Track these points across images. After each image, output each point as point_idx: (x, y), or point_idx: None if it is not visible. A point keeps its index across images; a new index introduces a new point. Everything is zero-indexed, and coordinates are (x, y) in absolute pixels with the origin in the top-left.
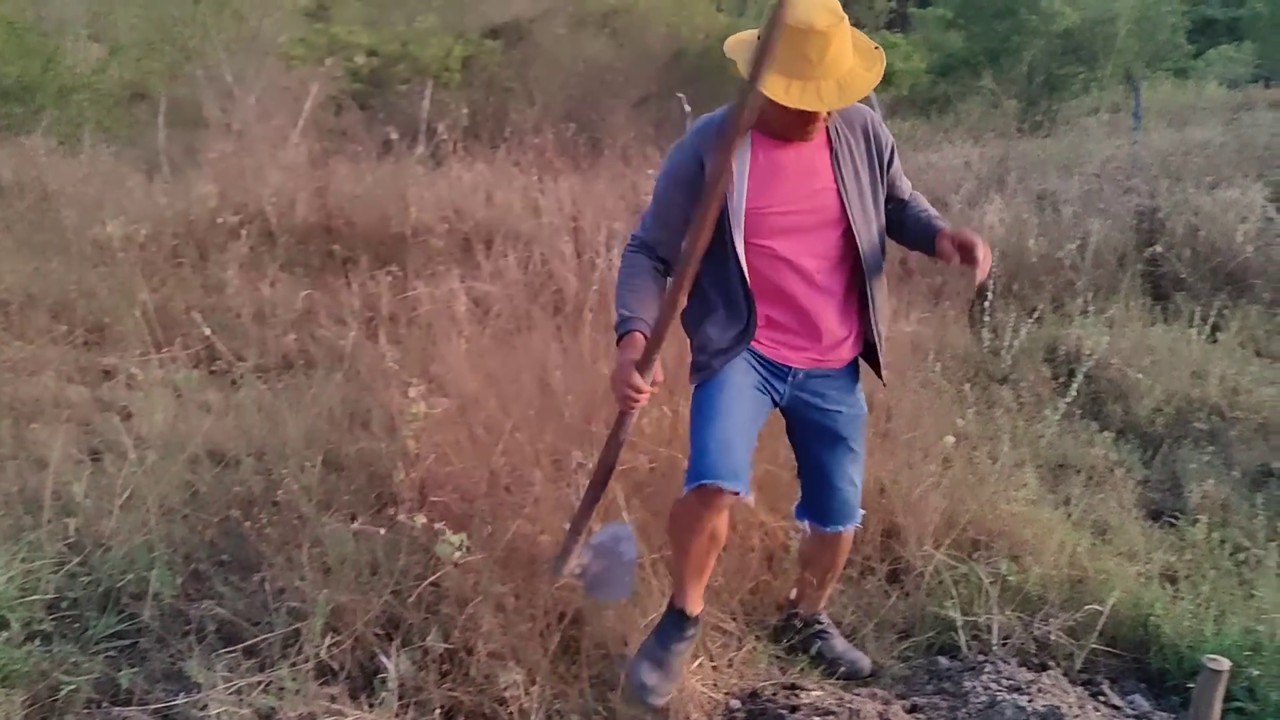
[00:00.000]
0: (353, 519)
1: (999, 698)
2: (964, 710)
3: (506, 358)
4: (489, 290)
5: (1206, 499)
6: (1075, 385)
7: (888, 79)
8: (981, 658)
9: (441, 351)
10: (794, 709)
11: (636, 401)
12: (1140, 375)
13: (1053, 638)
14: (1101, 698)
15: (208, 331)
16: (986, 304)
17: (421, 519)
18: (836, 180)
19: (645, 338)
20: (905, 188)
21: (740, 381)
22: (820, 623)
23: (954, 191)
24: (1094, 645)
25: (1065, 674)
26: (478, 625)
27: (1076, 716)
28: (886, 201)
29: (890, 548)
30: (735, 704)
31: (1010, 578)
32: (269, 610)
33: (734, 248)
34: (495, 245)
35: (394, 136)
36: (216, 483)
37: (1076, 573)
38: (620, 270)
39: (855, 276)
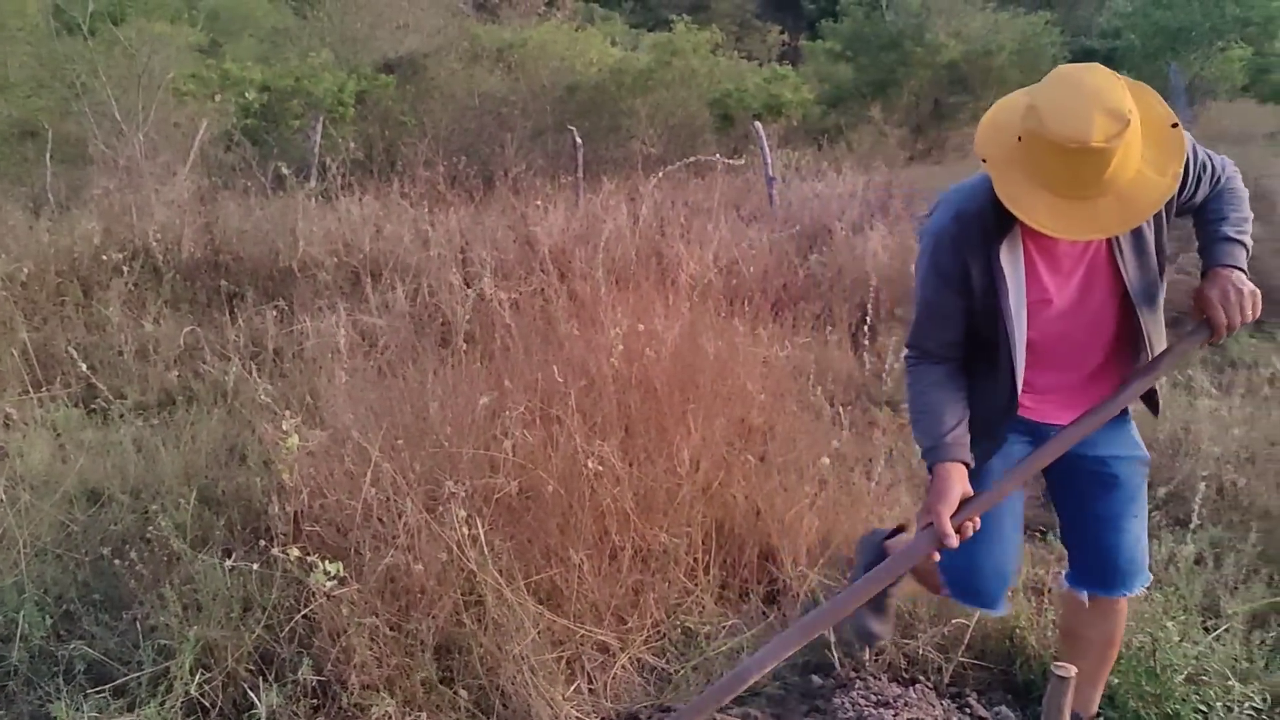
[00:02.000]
0: (227, 554)
1: (866, 713)
2: None
3: (388, 389)
4: (376, 322)
5: None
6: None
7: (778, 109)
8: (854, 674)
9: (323, 384)
10: None
11: (943, 546)
12: None
13: (922, 652)
14: (968, 709)
15: (86, 369)
16: (867, 328)
17: (295, 551)
18: (1114, 255)
19: (964, 467)
20: (1203, 193)
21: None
22: None
23: (838, 218)
24: (962, 658)
25: (934, 687)
26: (350, 657)
27: None
28: (1181, 214)
29: (767, 569)
30: None
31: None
32: (139, 649)
33: (1009, 348)
34: (383, 278)
35: (285, 171)
36: (90, 522)
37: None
38: (910, 389)
39: (1129, 321)
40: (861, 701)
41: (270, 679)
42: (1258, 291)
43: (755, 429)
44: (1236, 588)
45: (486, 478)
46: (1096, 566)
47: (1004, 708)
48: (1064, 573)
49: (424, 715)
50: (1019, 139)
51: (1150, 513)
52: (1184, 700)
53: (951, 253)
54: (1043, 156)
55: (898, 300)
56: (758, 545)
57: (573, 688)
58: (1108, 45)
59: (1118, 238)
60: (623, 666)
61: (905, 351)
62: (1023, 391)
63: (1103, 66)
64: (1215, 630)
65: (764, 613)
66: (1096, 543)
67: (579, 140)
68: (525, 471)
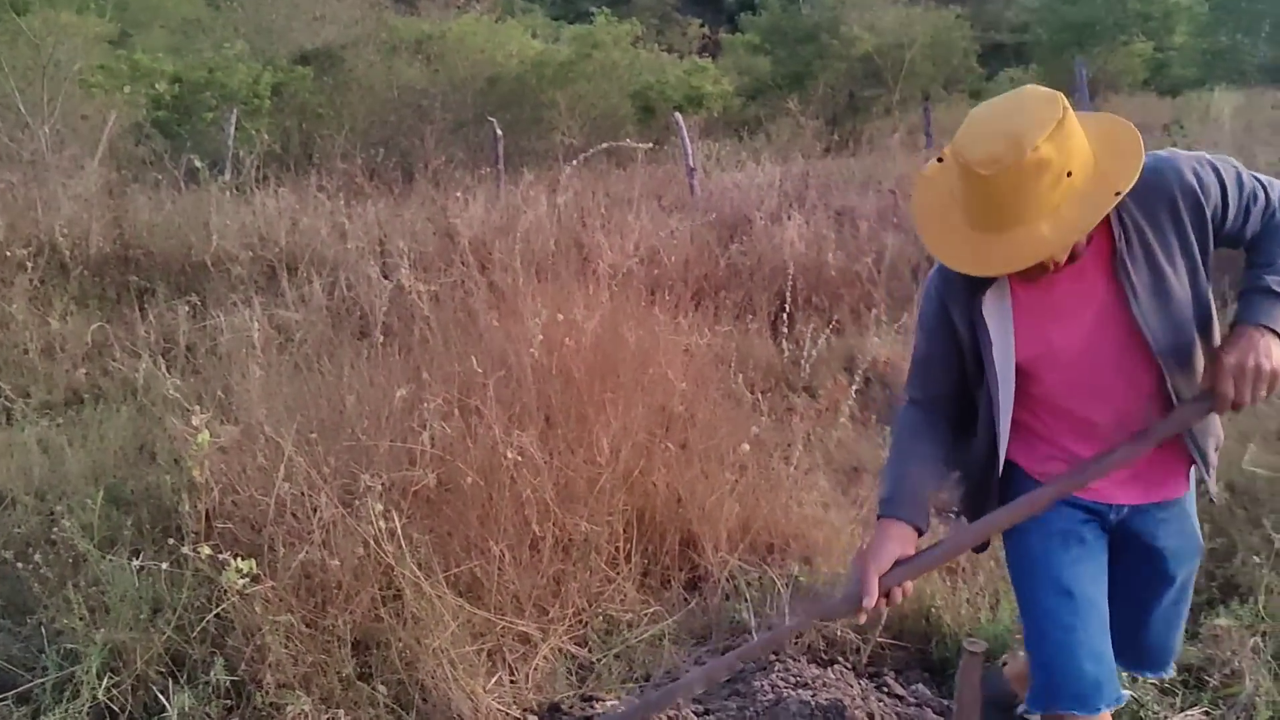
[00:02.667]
0: (135, 554)
1: (785, 694)
2: (752, 709)
3: (304, 383)
4: (292, 317)
5: None
6: (860, 389)
7: (699, 101)
8: (774, 657)
9: (236, 380)
10: (588, 719)
11: (860, 610)
12: None
13: (840, 634)
14: (885, 689)
15: None
16: (787, 316)
17: (206, 550)
18: (1125, 297)
19: (910, 526)
20: (1253, 227)
21: (1058, 528)
22: None
23: (757, 208)
24: (880, 639)
25: (852, 668)
26: (265, 655)
27: (859, 708)
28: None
29: (688, 556)
30: (533, 719)
31: (801, 579)
32: (44, 654)
33: (991, 404)
34: (300, 271)
35: (199, 164)
36: None
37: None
38: (893, 434)
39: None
40: (781, 683)
41: (182, 681)
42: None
43: (676, 417)
44: None
45: (404, 470)
46: (1132, 651)
47: (920, 685)
48: None
49: (341, 712)
50: (939, 159)
51: None
52: None
53: (937, 303)
54: (956, 181)
55: (814, 289)
56: (679, 532)
57: (494, 680)
58: (1016, 39)
59: (1128, 276)
60: (544, 657)
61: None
62: (1053, 457)
63: (1046, 92)
64: None
65: (685, 599)
66: (1140, 631)
67: (499, 132)
68: (444, 463)
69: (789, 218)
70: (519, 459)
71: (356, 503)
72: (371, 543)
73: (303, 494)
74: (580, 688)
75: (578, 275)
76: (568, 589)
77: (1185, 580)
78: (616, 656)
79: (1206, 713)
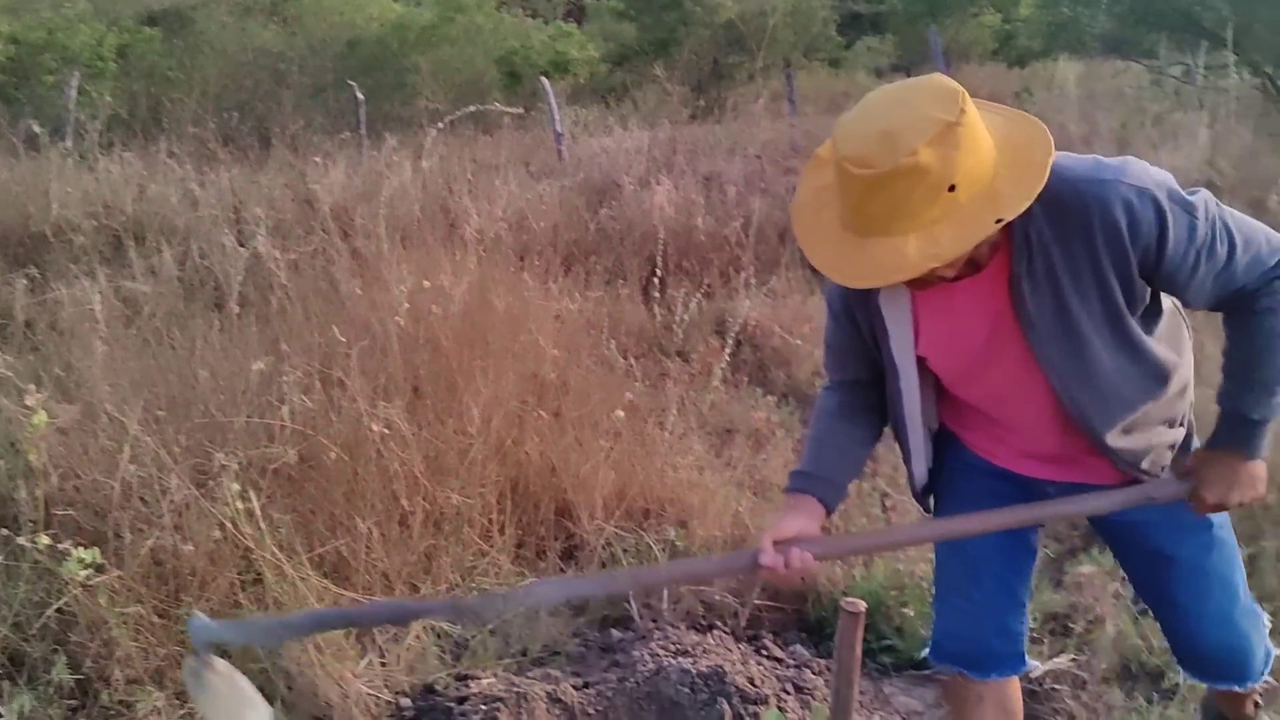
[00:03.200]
0: None
1: (665, 663)
2: (632, 680)
3: (153, 358)
4: (140, 288)
5: None
6: (734, 351)
7: (565, 67)
8: (652, 625)
9: (78, 357)
10: (463, 700)
11: (759, 574)
12: (799, 342)
13: (718, 598)
14: (764, 651)
15: None
16: (658, 281)
17: (45, 539)
18: (1019, 321)
19: (818, 502)
20: (1206, 294)
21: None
22: None
23: (625, 174)
24: (757, 601)
25: (731, 632)
26: (112, 650)
27: (739, 672)
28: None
29: (563, 525)
30: (405, 702)
31: (678, 543)
32: None
33: (898, 399)
34: (148, 241)
35: (38, 130)
36: None
37: (740, 532)
38: (813, 416)
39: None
40: (661, 652)
41: (20, 682)
42: (1263, 491)
43: (548, 384)
44: None
45: (263, 447)
46: (1184, 652)
47: (799, 646)
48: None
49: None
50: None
51: None
52: None
53: (838, 292)
54: (834, 175)
55: (684, 253)
56: (553, 502)
57: (364, 663)
58: (873, 9)
59: (1023, 300)
60: (416, 636)
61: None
62: (968, 429)
63: (945, 88)
64: None
65: (561, 569)
66: (1175, 629)
67: (360, 96)
68: (305, 439)
69: (658, 183)
70: (386, 431)
71: (211, 483)
72: (228, 525)
73: (151, 476)
74: (455, 666)
75: (444, 242)
76: (440, 564)
77: (1196, 559)
78: (492, 632)
79: (1074, 659)
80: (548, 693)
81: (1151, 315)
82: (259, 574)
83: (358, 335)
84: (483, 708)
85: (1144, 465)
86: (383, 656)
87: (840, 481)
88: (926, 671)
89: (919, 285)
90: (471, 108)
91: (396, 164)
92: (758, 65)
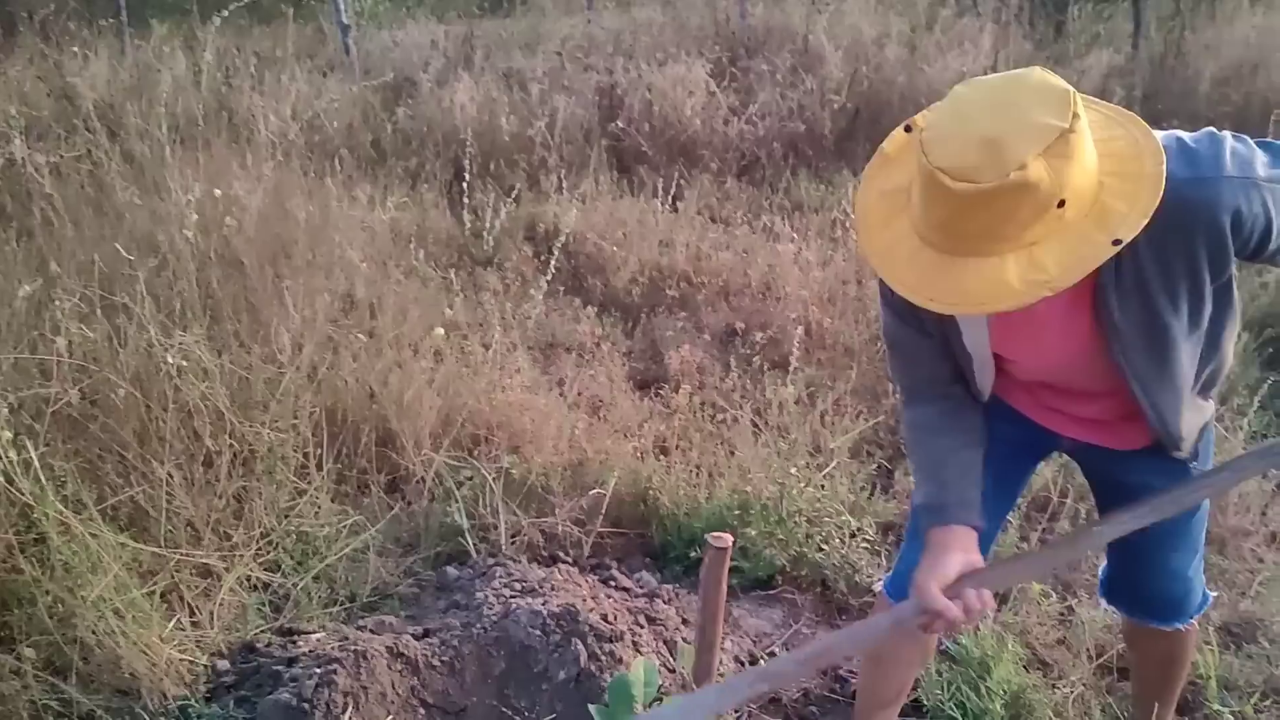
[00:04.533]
0: None
1: (513, 604)
2: (479, 625)
3: None
4: None
5: (685, 364)
6: (554, 262)
7: None
8: (491, 561)
9: None
10: (292, 661)
11: (934, 627)
12: (615, 248)
13: (560, 529)
14: (612, 582)
15: None
16: (465, 185)
17: None
18: (1104, 330)
19: (967, 529)
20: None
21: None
22: None
23: (423, 70)
24: (600, 529)
25: (575, 563)
26: None
27: (591, 609)
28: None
29: (387, 457)
30: (223, 665)
31: (513, 471)
32: None
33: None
34: None
35: None
36: None
37: (577, 456)
38: (906, 436)
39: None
40: (506, 591)
41: None
42: None
43: (361, 303)
44: (834, 424)
45: (36, 387)
46: (1127, 592)
47: (644, 573)
48: (1100, 571)
49: None
50: (906, 128)
51: (751, 358)
52: (808, 540)
53: (893, 313)
54: (916, 175)
55: (489, 155)
56: (374, 431)
57: (172, 624)
58: None
59: (1110, 315)
60: (230, 590)
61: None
62: (1010, 392)
63: (1056, 86)
64: (825, 469)
65: (388, 504)
66: (1128, 569)
67: None
68: (87, 374)
69: (457, 80)
70: (183, 363)
71: None
72: (0, 479)
73: None
74: (277, 619)
75: (231, 144)
76: (252, 508)
77: (1181, 519)
78: (316, 579)
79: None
80: (388, 647)
81: (1227, 301)
82: (41, 534)
83: (141, 253)
84: (317, 671)
85: (1184, 434)
86: (194, 615)
87: (974, 497)
88: (772, 591)
89: None
90: None
91: (168, 55)
92: None
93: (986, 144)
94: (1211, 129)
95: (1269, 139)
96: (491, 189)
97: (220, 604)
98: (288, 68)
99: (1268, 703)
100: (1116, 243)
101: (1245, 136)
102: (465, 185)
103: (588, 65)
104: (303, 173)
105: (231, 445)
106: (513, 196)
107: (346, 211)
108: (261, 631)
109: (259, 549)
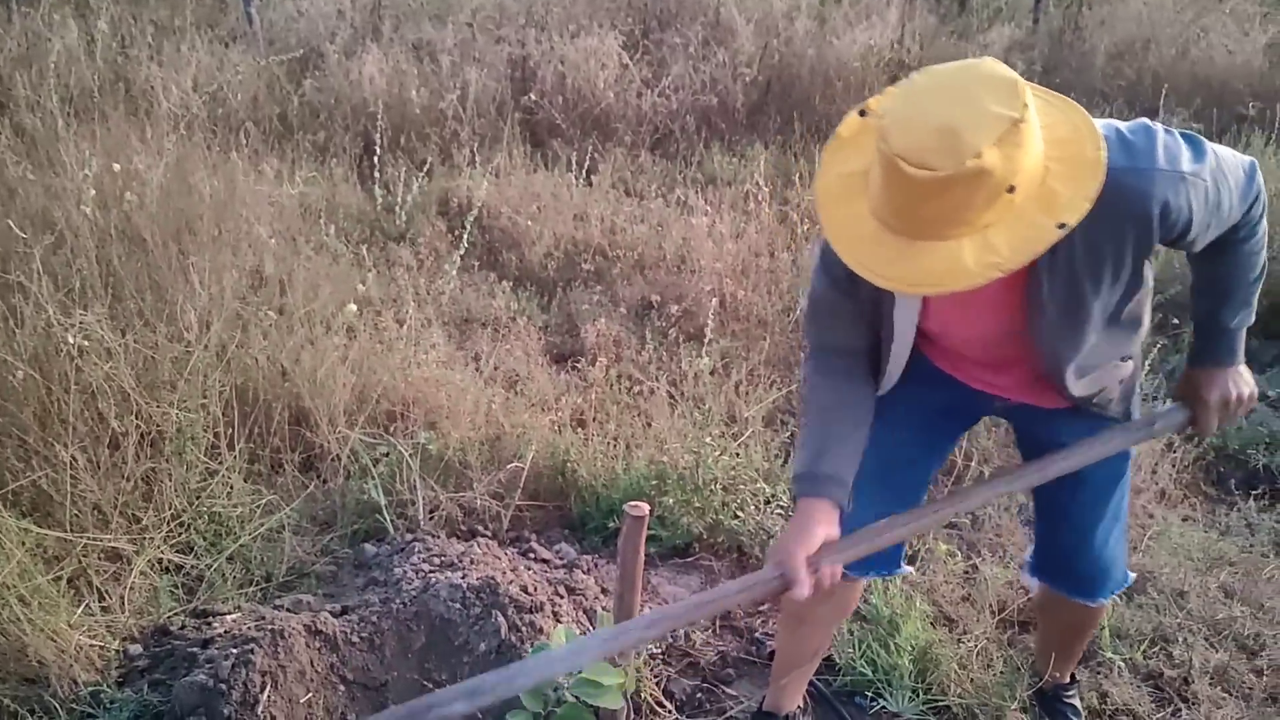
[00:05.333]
0: None
1: (433, 579)
2: (398, 601)
3: None
4: None
5: (601, 338)
6: (467, 236)
7: None
8: (410, 537)
9: None
10: (207, 643)
11: (788, 592)
12: (529, 222)
13: (479, 503)
14: (532, 554)
15: None
16: (375, 159)
17: None
18: (1029, 306)
19: (831, 504)
20: (1206, 240)
21: (907, 404)
22: (1068, 698)
23: (329, 41)
24: (519, 503)
25: (494, 537)
26: None
27: (511, 581)
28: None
29: (301, 435)
30: (135, 649)
31: (430, 447)
32: None
33: (886, 356)
34: None
35: None
36: None
37: (494, 431)
38: (804, 393)
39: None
40: (425, 566)
41: None
42: (1255, 389)
43: (270, 279)
44: (748, 393)
45: None
46: (1052, 565)
47: (564, 545)
48: (1028, 554)
49: None
50: (860, 112)
51: (667, 331)
52: (724, 507)
53: (828, 275)
54: (875, 159)
55: (399, 128)
56: (287, 409)
57: (81, 609)
58: None
59: (1039, 296)
60: (141, 573)
61: (804, 341)
62: (936, 356)
63: (1006, 77)
64: (740, 438)
65: (303, 483)
66: (1055, 540)
67: None
68: None
69: (365, 51)
70: (83, 343)
71: None
72: None
73: None
74: (190, 601)
75: (130, 117)
76: (162, 490)
77: (1101, 484)
78: (230, 560)
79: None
80: (306, 625)
81: (1144, 275)
82: None
83: (36, 230)
84: (233, 651)
85: (1096, 400)
86: (103, 601)
87: (848, 477)
88: (690, 559)
89: None
90: None
91: (59, 23)
92: None
93: (943, 132)
94: (1145, 121)
95: (1189, 131)
96: (403, 163)
97: (131, 588)
98: (187, 38)
99: (1156, 649)
100: (1062, 226)
101: (1173, 129)
102: (376, 159)
103: (499, 37)
104: (206, 146)
105: (138, 426)
106: (425, 170)
107: (253, 186)
108: (175, 614)
109: (170, 531)
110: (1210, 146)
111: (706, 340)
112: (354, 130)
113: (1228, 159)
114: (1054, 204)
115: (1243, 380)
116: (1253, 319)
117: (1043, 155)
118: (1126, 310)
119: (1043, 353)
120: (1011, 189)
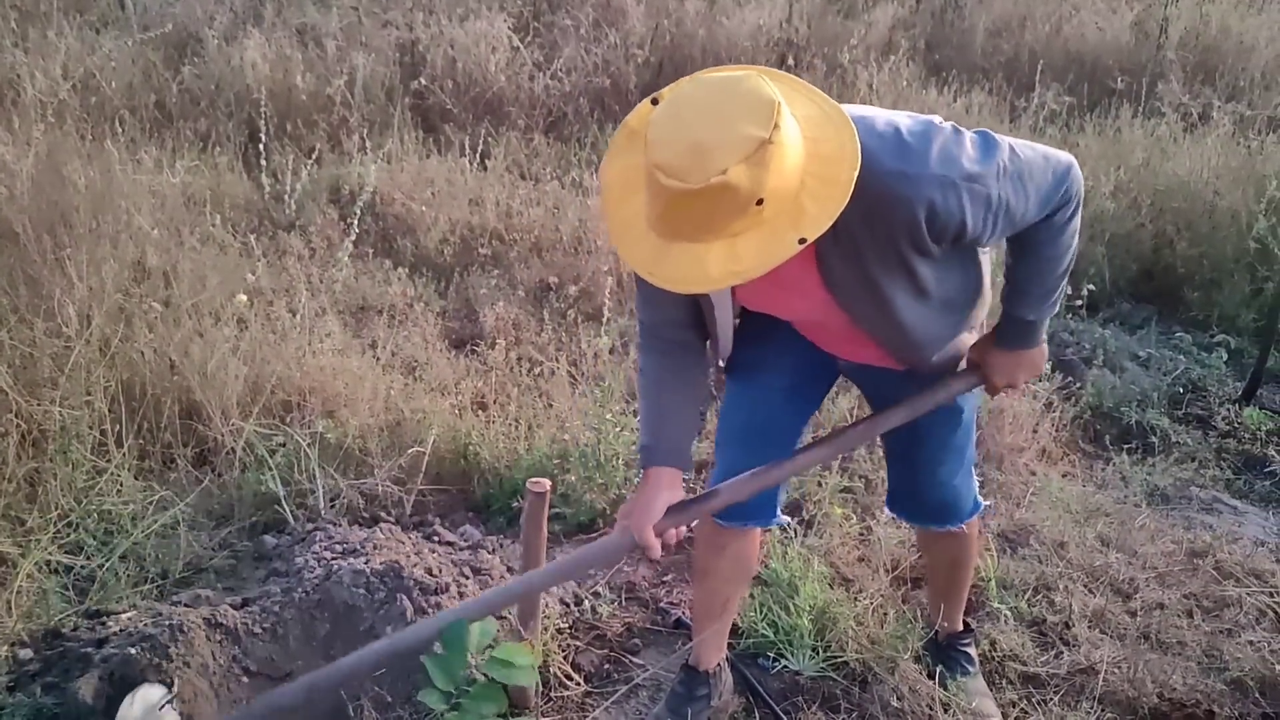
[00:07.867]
0: None
1: (335, 566)
2: (300, 590)
3: None
4: None
5: (500, 321)
6: (356, 223)
7: None
8: (311, 526)
9: None
10: (102, 642)
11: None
12: (424, 208)
13: (380, 489)
14: (436, 538)
15: None
16: (262, 146)
17: None
18: (829, 287)
19: (674, 470)
20: (1004, 233)
21: (764, 369)
22: (963, 646)
23: (208, 25)
24: (421, 487)
25: (398, 522)
26: None
27: (415, 564)
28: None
29: (193, 429)
30: (25, 653)
31: (329, 435)
32: None
33: (714, 343)
34: None
35: None
36: None
37: (394, 417)
38: (639, 373)
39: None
40: (327, 554)
41: None
42: (1043, 369)
43: (154, 271)
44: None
45: None
46: (907, 502)
47: (468, 527)
48: (886, 495)
49: None
50: (654, 101)
51: (565, 312)
52: (626, 483)
53: None
54: (644, 173)
55: (286, 115)
56: (177, 403)
57: None
58: None
59: (833, 281)
60: (28, 576)
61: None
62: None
63: (763, 98)
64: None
65: (197, 477)
66: (904, 481)
67: None
68: None
69: (247, 36)
70: None
71: None
72: None
73: None
74: (83, 603)
75: None
76: (47, 490)
77: (937, 435)
78: (123, 558)
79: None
80: (205, 619)
81: (970, 258)
82: None
83: None
84: (131, 650)
85: (935, 361)
86: None
87: (686, 445)
88: (594, 535)
89: None
90: None
91: None
92: None
93: (695, 149)
94: (932, 120)
95: (985, 131)
96: (290, 151)
97: (17, 591)
98: (54, 23)
99: (1039, 597)
100: (802, 241)
101: (964, 129)
102: (262, 147)
103: (386, 21)
104: (79, 136)
105: (19, 425)
106: (313, 158)
107: (132, 176)
108: (67, 616)
109: (58, 531)
110: (1009, 148)
111: (605, 319)
112: (238, 118)
113: (1033, 161)
114: (801, 220)
115: (1035, 363)
116: (1058, 309)
117: (801, 170)
118: (955, 289)
119: (869, 331)
120: (760, 202)
